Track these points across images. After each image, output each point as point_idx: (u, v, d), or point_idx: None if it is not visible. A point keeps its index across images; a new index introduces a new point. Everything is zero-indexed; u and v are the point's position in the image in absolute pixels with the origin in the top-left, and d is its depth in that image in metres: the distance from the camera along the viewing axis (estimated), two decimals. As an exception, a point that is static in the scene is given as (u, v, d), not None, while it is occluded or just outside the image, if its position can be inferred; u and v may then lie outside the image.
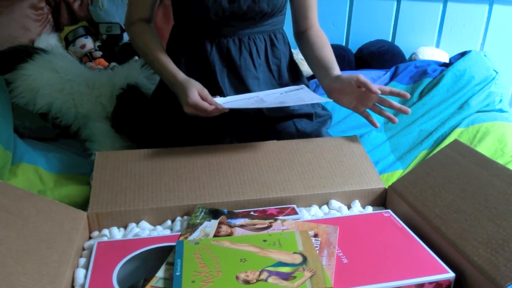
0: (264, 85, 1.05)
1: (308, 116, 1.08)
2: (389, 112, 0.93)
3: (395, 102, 0.92)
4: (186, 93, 0.88)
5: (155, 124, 1.07)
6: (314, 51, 1.04)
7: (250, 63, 1.03)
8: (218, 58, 1.01)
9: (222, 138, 1.03)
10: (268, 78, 1.06)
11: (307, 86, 1.13)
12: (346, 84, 0.93)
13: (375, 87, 0.88)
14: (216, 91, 1.01)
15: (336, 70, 0.99)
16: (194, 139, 1.00)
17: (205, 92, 0.89)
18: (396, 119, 0.92)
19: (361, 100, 0.94)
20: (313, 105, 1.11)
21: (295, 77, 1.12)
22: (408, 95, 0.90)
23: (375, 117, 0.96)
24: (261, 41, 1.04)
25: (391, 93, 0.90)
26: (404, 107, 0.91)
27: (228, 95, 1.02)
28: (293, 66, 1.13)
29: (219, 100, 0.90)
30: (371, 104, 0.94)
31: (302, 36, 1.10)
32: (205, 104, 0.86)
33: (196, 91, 0.88)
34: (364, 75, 1.50)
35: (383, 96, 0.92)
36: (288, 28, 1.13)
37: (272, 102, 0.90)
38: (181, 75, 0.94)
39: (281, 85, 1.08)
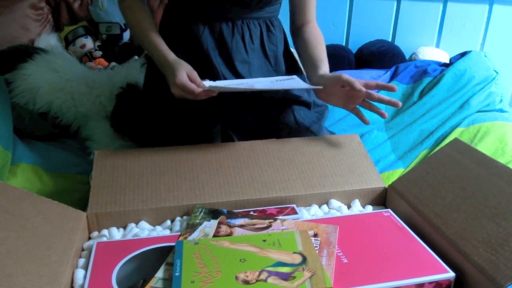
0: (258, 71, 1.03)
1: (307, 105, 1.06)
2: (379, 107, 0.91)
3: (384, 96, 0.90)
4: (175, 74, 0.86)
5: (148, 112, 1.06)
6: (307, 49, 1.03)
7: (242, 46, 1.01)
8: (210, 39, 1.00)
9: (213, 124, 1.01)
10: (264, 64, 1.05)
11: (304, 75, 1.12)
12: (330, 84, 0.91)
13: (359, 85, 0.86)
14: (210, 71, 1.00)
15: (321, 69, 0.97)
16: (187, 128, 1.00)
17: (194, 74, 0.87)
18: (386, 114, 0.90)
19: (349, 98, 0.92)
20: (309, 94, 1.10)
21: (291, 66, 1.11)
22: (396, 88, 0.88)
23: (367, 114, 0.94)
24: (255, 27, 1.02)
25: (378, 87, 0.88)
26: (393, 100, 0.88)
27: (222, 75, 1.00)
28: (289, 54, 1.12)
29: (207, 83, 0.87)
30: (360, 101, 0.91)
31: (297, 32, 1.08)
32: (192, 86, 0.85)
33: (185, 72, 0.86)
34: (364, 75, 1.52)
35: (372, 91, 0.90)
36: (284, 23, 1.12)
37: (262, 88, 0.88)
38: (171, 56, 0.93)
39: (277, 71, 1.06)
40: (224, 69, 1.01)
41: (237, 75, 1.01)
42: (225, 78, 1.00)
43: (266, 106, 1.04)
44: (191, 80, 0.86)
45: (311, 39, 1.04)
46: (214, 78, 0.99)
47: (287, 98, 1.04)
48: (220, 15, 0.99)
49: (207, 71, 1.00)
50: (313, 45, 1.03)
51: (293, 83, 0.93)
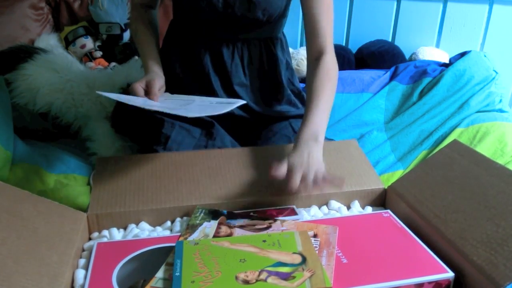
0: (256, 91, 1.05)
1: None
2: None
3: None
4: (142, 79, 0.87)
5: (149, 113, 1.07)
6: (309, 95, 0.88)
7: (240, 69, 1.02)
8: (210, 61, 1.01)
9: (212, 126, 1.02)
10: (262, 85, 1.06)
11: (299, 90, 1.12)
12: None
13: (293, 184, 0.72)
14: (209, 92, 1.02)
15: (303, 126, 0.82)
16: (186, 129, 1.01)
17: (152, 83, 0.85)
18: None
19: None
20: None
21: (290, 82, 1.12)
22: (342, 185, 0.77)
23: None
24: (255, 47, 1.02)
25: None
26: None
27: (221, 98, 1.02)
28: (289, 71, 1.12)
29: (163, 95, 0.87)
30: None
31: (311, 66, 0.94)
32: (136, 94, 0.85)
33: (144, 81, 0.86)
34: (364, 75, 1.52)
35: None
36: (288, 30, 1.12)
37: (194, 111, 0.79)
38: (153, 68, 0.94)
39: (276, 92, 1.07)
40: (223, 93, 1.03)
41: (237, 97, 1.03)
42: None
43: (264, 122, 1.05)
44: (147, 88, 0.86)
45: (317, 83, 0.88)
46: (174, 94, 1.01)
47: (284, 116, 1.06)
48: (220, 35, 0.99)
49: (207, 91, 1.02)
50: (316, 92, 0.87)
51: (228, 107, 0.81)
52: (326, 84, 0.88)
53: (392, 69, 1.55)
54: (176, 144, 0.97)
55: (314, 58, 0.93)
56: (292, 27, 1.12)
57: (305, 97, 1.14)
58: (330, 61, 0.91)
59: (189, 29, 1.02)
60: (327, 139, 1.15)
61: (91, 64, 1.73)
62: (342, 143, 0.93)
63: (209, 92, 1.02)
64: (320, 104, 0.84)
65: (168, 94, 0.93)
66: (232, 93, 1.03)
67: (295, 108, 1.09)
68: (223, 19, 0.95)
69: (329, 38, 0.94)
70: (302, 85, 1.55)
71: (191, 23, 1.00)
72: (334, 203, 0.81)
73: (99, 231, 0.75)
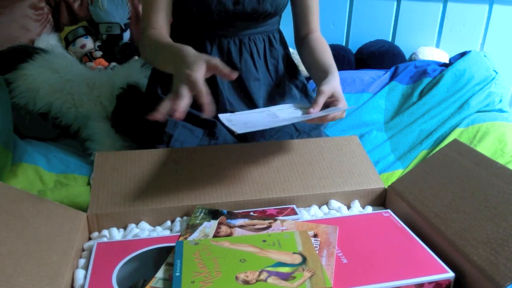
0: (264, 86, 1.05)
1: None
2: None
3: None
4: (192, 64, 0.71)
5: (149, 112, 1.05)
6: (314, 54, 1.01)
7: (251, 64, 1.02)
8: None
9: (213, 125, 1.00)
10: (267, 78, 1.06)
11: (304, 83, 1.13)
12: None
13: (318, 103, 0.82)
14: (215, 92, 1.01)
15: (332, 73, 0.92)
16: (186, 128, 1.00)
17: (211, 59, 0.73)
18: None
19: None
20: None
21: (292, 75, 1.12)
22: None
23: None
24: (260, 42, 1.03)
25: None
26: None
27: (227, 97, 1.01)
28: (290, 64, 1.12)
29: (225, 116, 0.79)
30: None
31: (302, 42, 1.08)
32: (203, 89, 0.70)
33: (199, 63, 0.72)
34: (364, 75, 1.52)
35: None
36: (285, 27, 1.13)
37: (287, 118, 0.80)
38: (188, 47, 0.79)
39: (278, 85, 1.07)
40: (229, 92, 1.02)
41: (247, 95, 1.02)
42: (229, 102, 1.02)
43: None
44: (211, 68, 0.73)
45: (317, 46, 1.03)
46: (217, 100, 1.01)
47: None
48: (227, 32, 0.99)
49: (213, 92, 1.00)
50: (320, 52, 1.01)
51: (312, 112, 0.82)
52: (326, 46, 1.04)
53: (392, 69, 1.55)
54: (179, 144, 0.97)
55: (303, 36, 1.07)
56: (291, 27, 1.12)
57: (309, 90, 1.14)
58: (320, 35, 1.07)
59: (193, 30, 1.02)
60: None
61: (91, 64, 1.72)
62: (342, 139, 0.93)
63: (215, 92, 1.01)
64: (332, 60, 0.99)
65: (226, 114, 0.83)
66: (244, 90, 1.02)
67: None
68: (232, 16, 0.96)
69: (317, 22, 1.08)
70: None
71: (197, 24, 1.00)
72: (334, 203, 0.81)
73: (99, 231, 0.75)
